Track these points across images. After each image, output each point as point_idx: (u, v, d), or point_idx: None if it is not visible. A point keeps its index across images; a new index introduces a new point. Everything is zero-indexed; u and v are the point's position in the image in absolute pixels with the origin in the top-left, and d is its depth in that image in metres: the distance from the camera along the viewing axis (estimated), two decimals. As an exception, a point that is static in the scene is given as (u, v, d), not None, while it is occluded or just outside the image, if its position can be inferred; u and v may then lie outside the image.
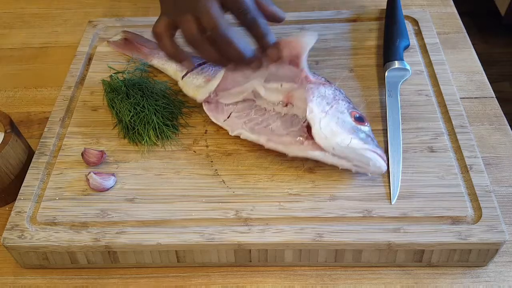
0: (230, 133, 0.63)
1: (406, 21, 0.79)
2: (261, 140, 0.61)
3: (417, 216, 0.56)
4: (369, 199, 0.58)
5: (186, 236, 0.55)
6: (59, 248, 0.56)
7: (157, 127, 0.65)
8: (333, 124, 0.58)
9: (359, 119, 0.60)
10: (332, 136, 0.57)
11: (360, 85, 0.71)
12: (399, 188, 0.58)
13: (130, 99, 0.67)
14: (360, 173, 0.59)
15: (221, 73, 0.65)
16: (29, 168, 0.63)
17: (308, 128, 0.59)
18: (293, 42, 0.60)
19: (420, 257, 0.55)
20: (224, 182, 0.60)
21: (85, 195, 0.60)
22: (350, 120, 0.59)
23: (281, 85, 0.63)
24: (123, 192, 0.60)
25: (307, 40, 0.60)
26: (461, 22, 0.84)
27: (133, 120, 0.65)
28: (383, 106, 0.68)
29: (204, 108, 0.66)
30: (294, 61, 0.61)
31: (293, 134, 0.61)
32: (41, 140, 0.66)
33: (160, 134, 0.65)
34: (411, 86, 0.70)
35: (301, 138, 0.60)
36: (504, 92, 1.89)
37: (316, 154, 0.58)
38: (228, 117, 0.65)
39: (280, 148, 0.60)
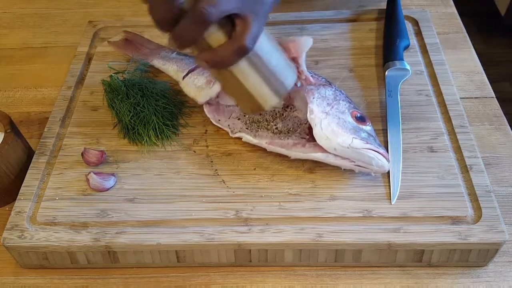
0: (230, 135, 0.63)
1: (406, 21, 0.79)
2: (263, 143, 0.61)
3: (417, 216, 0.56)
4: (369, 199, 0.58)
5: (186, 236, 0.55)
6: (59, 248, 0.56)
7: (157, 127, 0.65)
8: (334, 125, 0.58)
9: (361, 119, 0.60)
10: (334, 137, 0.57)
11: (360, 85, 0.71)
12: (399, 188, 0.58)
13: (130, 99, 0.66)
14: (363, 173, 0.59)
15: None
16: (29, 168, 0.63)
17: (310, 129, 0.59)
18: (291, 44, 0.60)
19: (420, 257, 0.55)
20: (224, 182, 0.60)
21: (85, 195, 0.60)
22: (351, 120, 0.59)
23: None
24: (123, 192, 0.60)
25: (304, 42, 0.60)
26: (461, 22, 0.84)
27: (133, 120, 0.65)
28: (383, 106, 0.68)
29: (205, 110, 0.66)
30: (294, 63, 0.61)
31: (295, 137, 0.61)
32: (41, 140, 0.66)
33: (160, 134, 0.65)
34: (411, 86, 0.70)
35: (303, 140, 0.60)
36: (504, 92, 1.89)
37: (318, 156, 0.58)
38: (229, 118, 0.65)
39: (282, 151, 0.60)
